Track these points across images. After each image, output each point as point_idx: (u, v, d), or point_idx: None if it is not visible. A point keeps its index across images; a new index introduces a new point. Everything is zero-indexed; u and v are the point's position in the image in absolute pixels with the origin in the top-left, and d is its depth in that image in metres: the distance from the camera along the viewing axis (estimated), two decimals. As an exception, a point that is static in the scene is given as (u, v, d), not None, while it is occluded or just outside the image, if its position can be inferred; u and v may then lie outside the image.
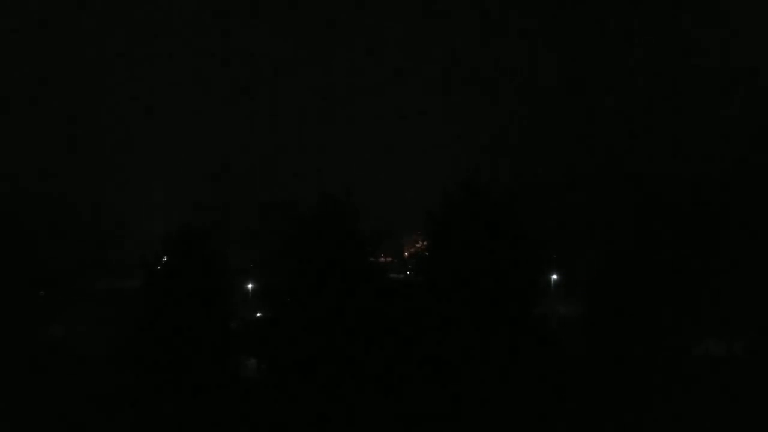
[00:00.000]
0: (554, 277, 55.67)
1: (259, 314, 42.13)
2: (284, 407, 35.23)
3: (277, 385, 36.41)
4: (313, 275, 36.47)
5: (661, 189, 49.38)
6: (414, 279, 40.10)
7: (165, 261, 38.73)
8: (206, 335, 36.46)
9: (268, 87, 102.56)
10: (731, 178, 50.62)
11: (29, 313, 47.03)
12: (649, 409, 36.90)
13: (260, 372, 38.24)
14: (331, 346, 35.20)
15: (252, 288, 53.97)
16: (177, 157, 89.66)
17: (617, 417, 36.26)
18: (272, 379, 37.12)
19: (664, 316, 39.58)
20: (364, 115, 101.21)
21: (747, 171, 50.47)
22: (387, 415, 34.68)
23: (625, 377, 37.91)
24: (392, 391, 34.99)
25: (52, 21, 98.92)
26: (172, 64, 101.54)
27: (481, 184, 37.96)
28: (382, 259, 43.63)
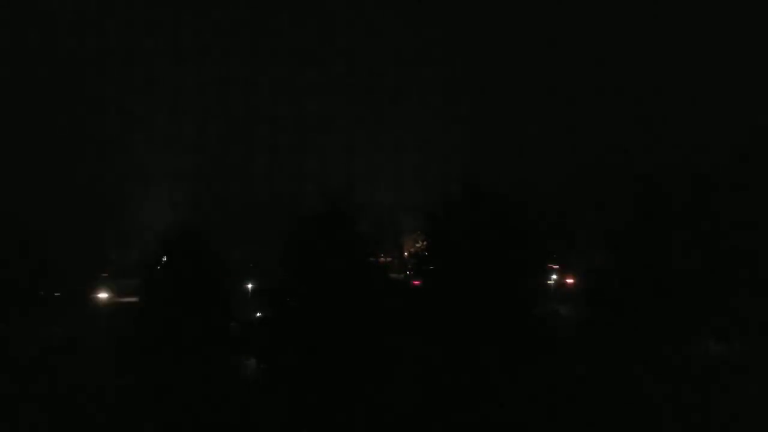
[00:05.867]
0: (554, 277, 55.68)
1: (259, 314, 42.09)
2: (284, 408, 35.19)
3: (277, 386, 36.37)
4: (313, 275, 36.45)
5: (662, 187, 49.31)
6: (414, 279, 40.05)
7: (164, 261, 38.71)
8: (205, 335, 36.42)
9: (269, 87, 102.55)
10: (732, 176, 50.60)
11: (28, 313, 47.02)
12: (648, 409, 36.89)
13: (260, 372, 38.18)
14: (331, 347, 35.17)
15: (252, 288, 53.95)
16: (177, 156, 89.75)
17: (617, 416, 36.25)
18: (272, 380, 37.08)
19: (664, 315, 39.56)
20: (364, 115, 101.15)
21: (748, 169, 50.44)
22: (387, 416, 34.65)
23: (624, 377, 37.90)
24: (392, 391, 34.95)
25: (53, 19, 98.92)
26: (172, 63, 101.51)
27: (481, 183, 37.96)
28: (382, 259, 43.57)
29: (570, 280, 55.36)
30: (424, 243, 40.35)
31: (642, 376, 37.97)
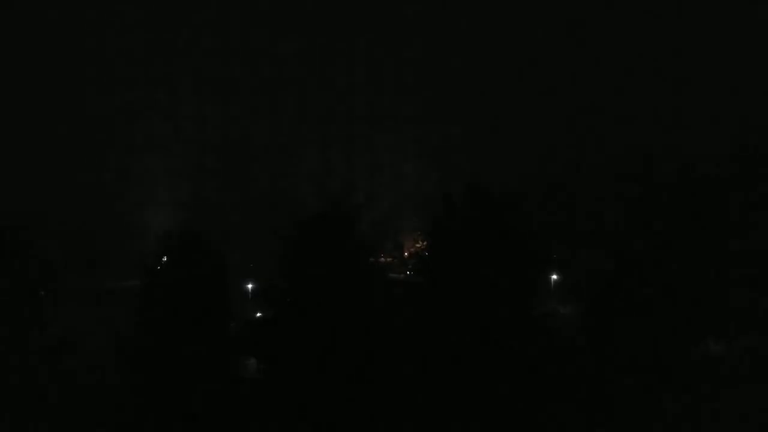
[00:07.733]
0: (554, 277, 55.70)
1: (259, 314, 42.10)
2: (284, 408, 35.19)
3: (277, 386, 36.37)
4: (313, 275, 36.45)
5: (663, 188, 49.37)
6: (414, 279, 40.09)
7: (164, 261, 38.69)
8: (206, 336, 36.41)
9: (269, 87, 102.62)
10: (731, 177, 50.66)
11: (27, 313, 46.89)
12: (648, 409, 36.89)
13: (260, 372, 38.18)
14: (331, 347, 35.17)
15: (252, 288, 54.02)
16: (177, 156, 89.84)
17: (616, 417, 36.25)
18: (272, 380, 37.08)
19: (665, 315, 39.57)
20: (364, 115, 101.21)
21: (746, 170, 50.49)
22: (387, 415, 34.65)
23: (624, 377, 37.90)
24: (392, 391, 34.96)
25: (51, 18, 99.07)
26: (172, 62, 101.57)
27: (481, 185, 37.98)
28: (382, 259, 43.65)
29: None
30: (424, 243, 40.39)
31: (640, 374, 37.99)
